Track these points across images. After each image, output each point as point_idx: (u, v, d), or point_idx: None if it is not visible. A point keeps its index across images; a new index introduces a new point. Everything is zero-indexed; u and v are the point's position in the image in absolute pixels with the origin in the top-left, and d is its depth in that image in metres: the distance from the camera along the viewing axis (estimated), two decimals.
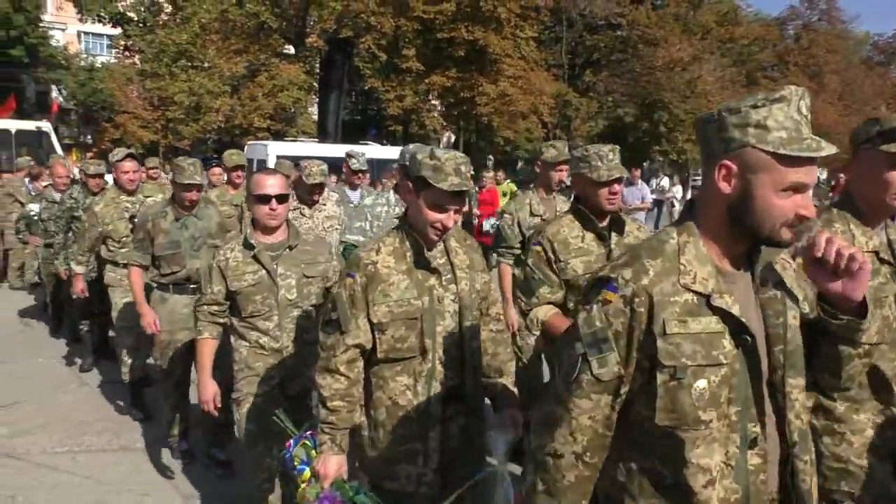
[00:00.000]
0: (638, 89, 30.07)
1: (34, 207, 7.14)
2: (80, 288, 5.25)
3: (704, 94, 32.35)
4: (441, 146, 45.30)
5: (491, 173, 14.91)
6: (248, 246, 3.11)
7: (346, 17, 22.75)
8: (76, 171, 8.57)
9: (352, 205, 5.45)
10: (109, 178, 6.38)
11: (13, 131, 14.56)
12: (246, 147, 18.39)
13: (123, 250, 5.01)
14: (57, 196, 6.81)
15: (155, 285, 4.32)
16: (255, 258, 3.08)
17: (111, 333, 6.06)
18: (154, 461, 4.31)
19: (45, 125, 15.37)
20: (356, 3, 22.54)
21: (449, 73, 25.63)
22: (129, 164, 5.14)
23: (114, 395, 5.38)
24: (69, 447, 4.40)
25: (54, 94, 32.10)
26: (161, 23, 26.17)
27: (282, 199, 3.08)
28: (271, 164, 16.31)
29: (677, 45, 29.11)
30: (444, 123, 29.12)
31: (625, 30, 30.91)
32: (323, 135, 24.80)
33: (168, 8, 26.71)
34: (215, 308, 3.12)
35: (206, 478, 4.12)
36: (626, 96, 31.25)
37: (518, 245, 4.13)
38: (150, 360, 5.04)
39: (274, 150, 16.85)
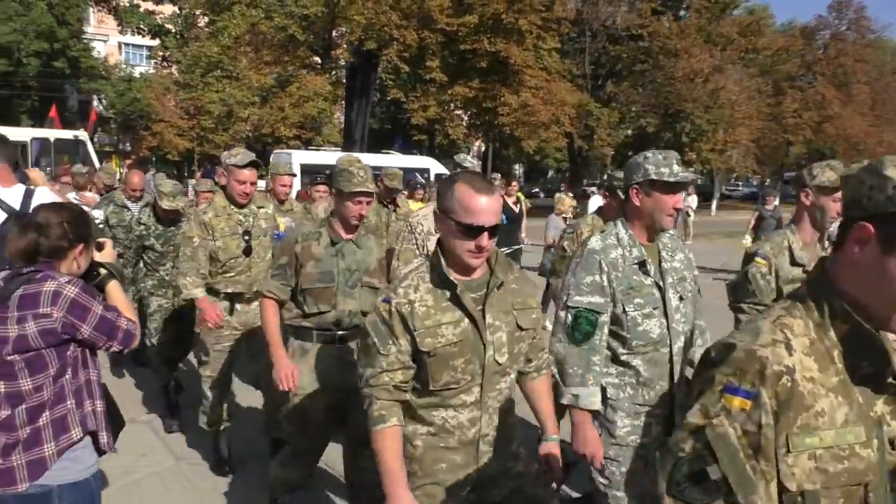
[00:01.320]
0: (659, 99, 30.21)
1: (97, 213, 6.34)
2: (214, 315, 3.96)
3: (730, 104, 32.37)
4: (471, 156, 45.85)
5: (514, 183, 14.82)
6: (443, 282, 2.07)
7: (370, 30, 23.38)
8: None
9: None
10: (145, 186, 6.85)
11: (52, 140, 15.41)
12: (271, 156, 19.07)
13: (231, 275, 4.08)
14: (129, 203, 6.18)
15: (291, 329, 3.27)
16: (455, 301, 2.06)
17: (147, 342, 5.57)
18: (154, 430, 4.83)
19: (82, 134, 16.22)
20: (380, 17, 23.17)
21: (471, 83, 26.09)
22: (247, 174, 4.15)
23: (124, 377, 5.92)
24: None
25: (94, 103, 33.38)
26: (195, 35, 27.16)
27: (494, 231, 2.04)
28: (296, 172, 16.95)
29: (698, 56, 29.20)
30: (468, 133, 29.53)
31: (646, 41, 31.10)
32: (349, 144, 25.49)
33: (202, 21, 27.72)
34: (401, 377, 2.03)
35: (197, 440, 4.62)
36: (647, 107, 31.41)
37: (771, 302, 3.05)
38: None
39: (298, 158, 17.47)
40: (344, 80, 27.48)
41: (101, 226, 6.09)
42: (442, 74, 25.87)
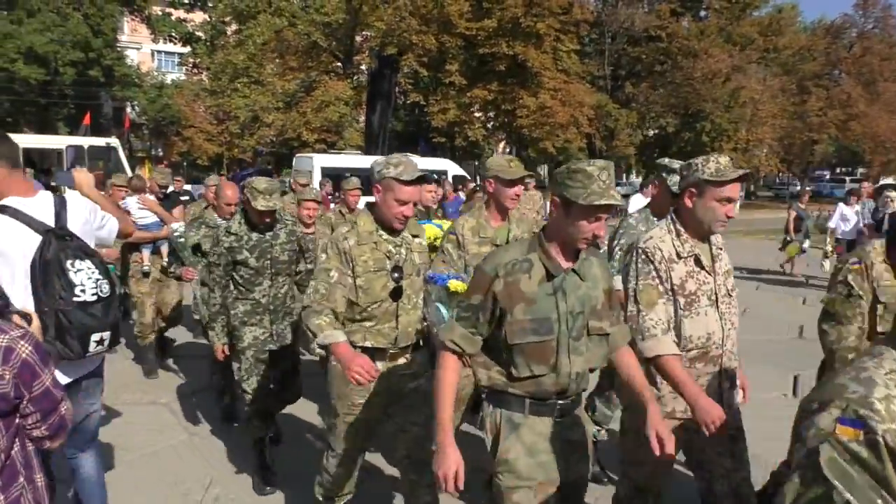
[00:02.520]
0: (679, 100, 30.35)
1: (177, 227, 5.55)
2: (364, 366, 2.64)
3: (752, 103, 32.34)
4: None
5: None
6: None
7: (390, 35, 23.99)
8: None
9: None
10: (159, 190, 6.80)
11: (86, 147, 16.21)
12: (294, 159, 19.70)
13: (372, 325, 2.95)
14: (223, 222, 5.08)
15: (490, 396, 2.36)
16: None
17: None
18: (172, 411, 5.38)
19: (114, 141, 17.00)
20: (400, 23, 23.77)
21: (490, 86, 26.57)
22: (412, 191, 3.13)
23: (143, 366, 6.51)
24: (111, 401, 5.50)
25: (128, 109, 34.48)
26: (222, 43, 28.06)
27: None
28: (317, 176, 17.54)
29: (717, 57, 29.29)
30: (487, 135, 29.99)
31: (665, 42, 31.27)
32: (370, 147, 26.10)
33: (229, 29, 28.61)
34: None
35: (208, 418, 5.17)
36: (667, 107, 31.55)
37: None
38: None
39: (319, 162, 18.03)
40: (366, 85, 28.16)
41: (180, 240, 5.42)
42: (461, 78, 26.39)
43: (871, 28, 38.33)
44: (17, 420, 1.85)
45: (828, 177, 47.47)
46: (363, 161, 19.98)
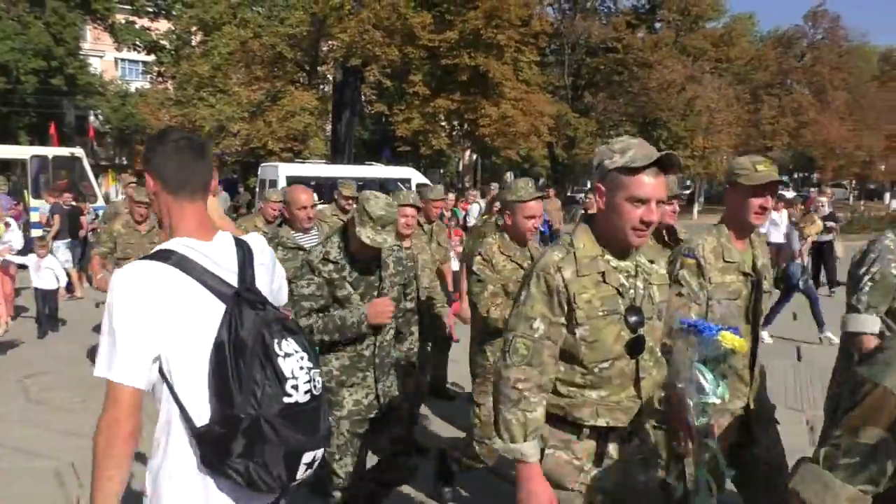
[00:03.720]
0: (636, 109, 31.35)
1: None
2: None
3: (708, 112, 33.48)
4: (460, 166, 46.83)
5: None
6: None
7: (354, 47, 24.47)
8: (119, 194, 8.97)
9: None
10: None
11: (50, 157, 16.36)
12: (260, 168, 20.04)
13: (604, 394, 2.08)
14: (301, 239, 4.50)
15: None
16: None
17: None
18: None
19: (79, 151, 17.15)
20: (364, 35, 24.26)
21: (453, 96, 27.18)
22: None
23: None
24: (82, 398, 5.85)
25: (91, 118, 34.35)
26: (187, 53, 28.23)
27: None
28: (281, 184, 17.94)
29: (671, 67, 30.34)
30: (450, 144, 30.58)
31: (621, 53, 32.27)
32: (336, 156, 26.52)
33: (194, 39, 28.78)
34: None
35: None
36: (624, 116, 32.54)
37: None
38: None
39: (284, 171, 18.42)
40: (331, 95, 28.56)
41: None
42: (425, 88, 26.96)
43: (820, 38, 39.90)
44: None
45: (786, 180, 49.04)
46: (329, 170, 20.44)
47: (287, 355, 1.69)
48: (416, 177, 20.18)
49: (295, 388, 1.68)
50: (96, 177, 18.60)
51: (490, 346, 3.67)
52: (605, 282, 2.03)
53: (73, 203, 12.71)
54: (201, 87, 25.91)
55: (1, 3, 29.85)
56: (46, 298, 8.51)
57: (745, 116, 36.01)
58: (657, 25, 34.66)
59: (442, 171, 42.68)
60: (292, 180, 18.10)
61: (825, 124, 37.39)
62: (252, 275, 1.81)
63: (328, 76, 29.41)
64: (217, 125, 25.78)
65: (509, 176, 52.59)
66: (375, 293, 3.14)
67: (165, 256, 1.67)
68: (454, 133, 30.95)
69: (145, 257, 1.70)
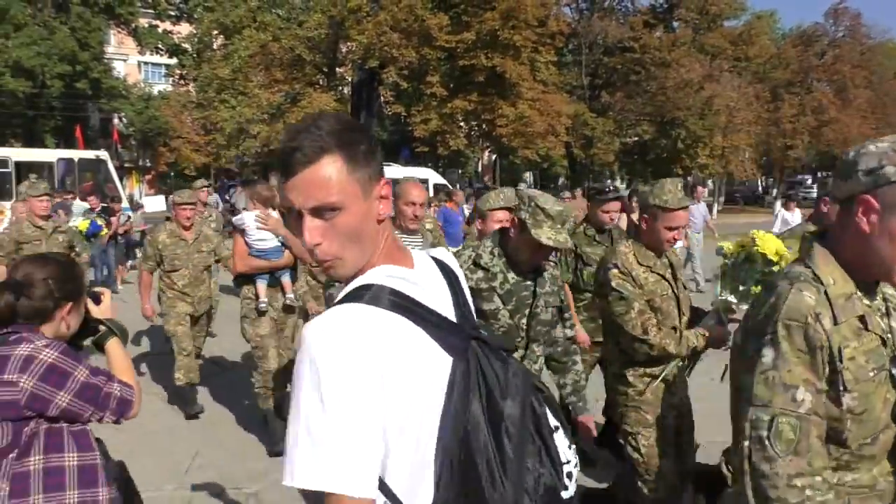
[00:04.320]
0: (654, 108, 31.26)
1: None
2: None
3: (727, 111, 33.27)
4: (479, 166, 46.84)
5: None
6: None
7: (371, 49, 24.71)
8: (143, 195, 9.25)
9: None
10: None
11: (76, 160, 16.78)
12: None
13: (856, 476, 1.56)
14: (401, 237, 4.10)
15: None
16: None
17: None
18: (162, 398, 6.03)
19: (104, 154, 17.57)
20: (381, 37, 24.49)
21: (470, 97, 27.30)
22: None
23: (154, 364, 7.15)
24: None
25: (115, 121, 34.96)
26: (209, 56, 28.69)
27: None
28: None
29: (688, 67, 30.23)
30: (468, 144, 30.72)
31: (638, 52, 32.20)
32: None
33: (215, 43, 29.24)
34: None
35: (203, 397, 5.79)
36: (642, 115, 32.45)
37: None
38: None
39: None
40: (349, 96, 28.84)
41: None
42: (442, 89, 27.12)
43: (841, 36, 39.42)
44: (28, 430, 1.87)
45: (810, 181, 48.48)
46: None
47: (556, 428, 1.23)
48: (434, 177, 20.33)
49: (570, 476, 1.21)
50: (120, 179, 19.01)
51: (633, 371, 3.07)
52: (866, 329, 1.51)
53: (105, 205, 12.86)
54: (222, 90, 26.33)
55: (28, 9, 30.47)
56: None
57: (765, 115, 35.73)
58: (675, 24, 34.50)
59: (460, 171, 42.81)
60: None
61: (847, 123, 36.95)
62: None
63: (346, 78, 29.73)
64: (237, 127, 26.18)
65: (528, 176, 52.66)
66: (527, 311, 2.67)
67: (375, 297, 1.11)
68: (472, 133, 31.09)
69: (346, 299, 1.12)
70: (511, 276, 2.67)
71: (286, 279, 4.96)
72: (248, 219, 4.76)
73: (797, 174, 50.17)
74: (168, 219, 5.97)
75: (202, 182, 9.07)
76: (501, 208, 3.29)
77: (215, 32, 28.49)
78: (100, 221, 10.05)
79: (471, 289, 2.22)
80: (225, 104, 26.26)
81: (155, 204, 25.11)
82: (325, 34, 25.42)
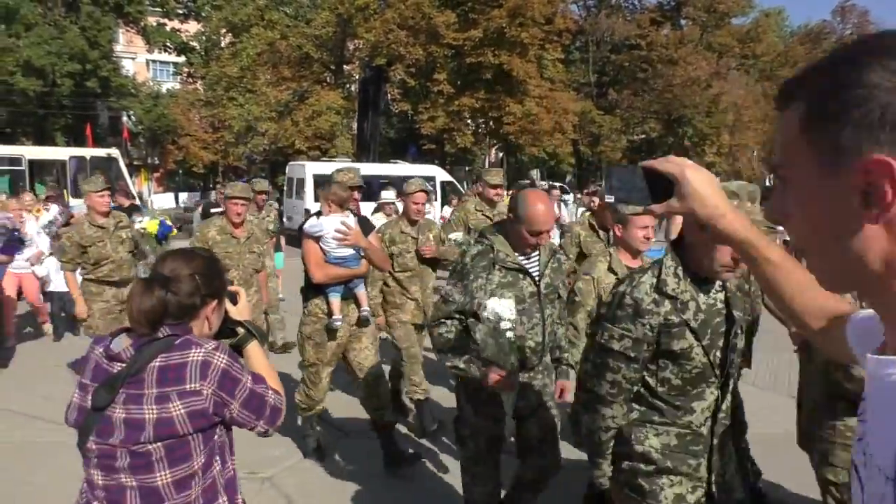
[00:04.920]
0: (661, 106, 31.30)
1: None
2: None
3: (735, 109, 33.27)
4: (486, 163, 46.91)
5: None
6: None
7: (378, 47, 24.84)
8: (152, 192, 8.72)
9: None
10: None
11: (88, 158, 16.96)
12: (287, 167, 20.51)
13: None
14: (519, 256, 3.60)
15: None
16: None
17: None
18: None
19: (114, 152, 17.76)
20: (388, 35, 24.62)
21: (477, 94, 27.38)
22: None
23: None
24: None
25: (124, 119, 35.19)
26: (217, 55, 28.90)
27: None
28: (309, 182, 18.35)
29: (695, 64, 30.25)
30: (475, 142, 30.83)
31: (645, 50, 32.24)
32: (361, 154, 26.93)
33: (223, 41, 29.43)
34: None
35: None
36: (649, 113, 32.50)
37: None
38: None
39: (311, 169, 18.88)
40: (356, 94, 28.99)
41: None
42: (449, 86, 27.23)
43: (849, 34, 39.35)
44: (217, 437, 1.82)
45: None
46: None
47: None
48: (441, 174, 20.44)
49: None
50: (130, 177, 19.20)
51: (843, 403, 2.75)
52: None
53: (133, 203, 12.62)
54: (230, 88, 26.52)
55: (38, 8, 30.71)
56: (62, 299, 8.25)
57: (773, 113, 35.68)
58: (682, 22, 34.52)
59: (468, 168, 42.92)
60: (320, 179, 18.55)
61: None
62: None
63: (354, 75, 29.87)
64: (246, 125, 26.37)
65: (535, 174, 52.75)
66: (721, 342, 2.17)
67: None
68: (479, 131, 31.20)
69: None
70: (702, 299, 2.16)
71: (361, 290, 4.48)
72: (328, 225, 4.20)
73: None
74: (208, 214, 5.84)
75: (262, 184, 8.11)
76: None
77: (223, 31, 28.66)
78: (168, 221, 8.77)
79: (656, 326, 2.11)
80: (233, 102, 26.43)
81: (163, 202, 25.30)
82: (333, 32, 25.58)
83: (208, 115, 28.82)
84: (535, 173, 51.94)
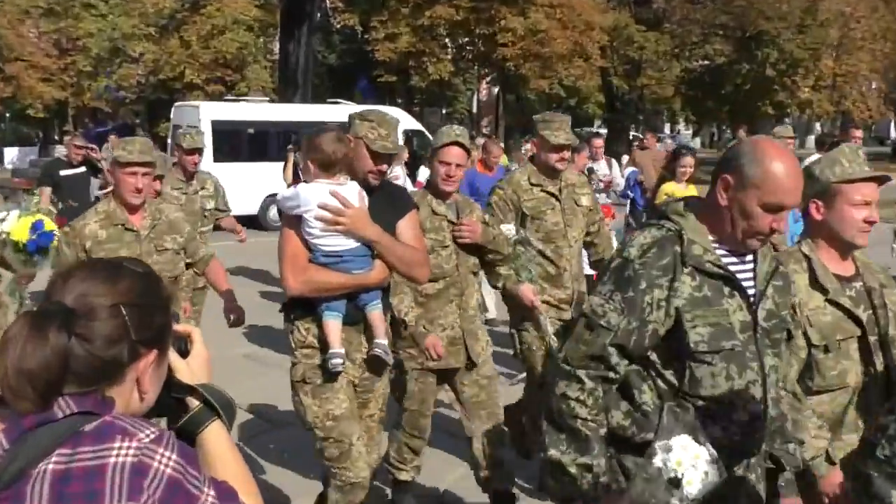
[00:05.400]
0: (731, 18, 31.58)
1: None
2: None
3: (841, 21, 33.71)
4: (475, 103, 46.71)
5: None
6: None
7: None
8: None
9: None
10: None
11: None
12: (173, 109, 20.62)
13: None
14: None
15: None
16: None
17: None
18: None
19: None
20: None
21: (459, 2, 27.38)
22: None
23: None
24: None
25: None
26: None
27: None
28: (207, 131, 18.47)
29: None
30: (455, 71, 30.97)
31: None
32: (286, 90, 26.92)
33: None
34: None
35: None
36: (713, 28, 32.78)
37: None
38: None
39: (208, 113, 18.99)
40: (278, 1, 28.94)
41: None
42: None
43: None
44: None
45: None
46: (275, 112, 20.82)
47: None
48: (407, 120, 20.65)
49: None
50: None
51: None
52: None
53: None
54: None
55: None
56: None
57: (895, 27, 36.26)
58: None
59: (445, 110, 43.09)
60: (220, 126, 18.64)
61: None
62: None
63: None
64: (110, 46, 26.32)
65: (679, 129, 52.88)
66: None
67: None
68: (462, 56, 31.41)
69: None
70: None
71: (376, 310, 3.99)
72: (311, 197, 3.82)
73: None
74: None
75: (192, 139, 7.88)
76: None
77: None
78: (48, 223, 8.20)
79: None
80: (90, 11, 26.41)
81: None
82: None
83: (51, 31, 28.68)
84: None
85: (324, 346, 3.90)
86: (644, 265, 2.55)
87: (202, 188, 7.74)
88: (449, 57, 30.16)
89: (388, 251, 3.89)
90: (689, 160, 8.53)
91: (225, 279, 5.67)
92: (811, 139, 49.28)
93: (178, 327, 1.79)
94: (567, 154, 5.54)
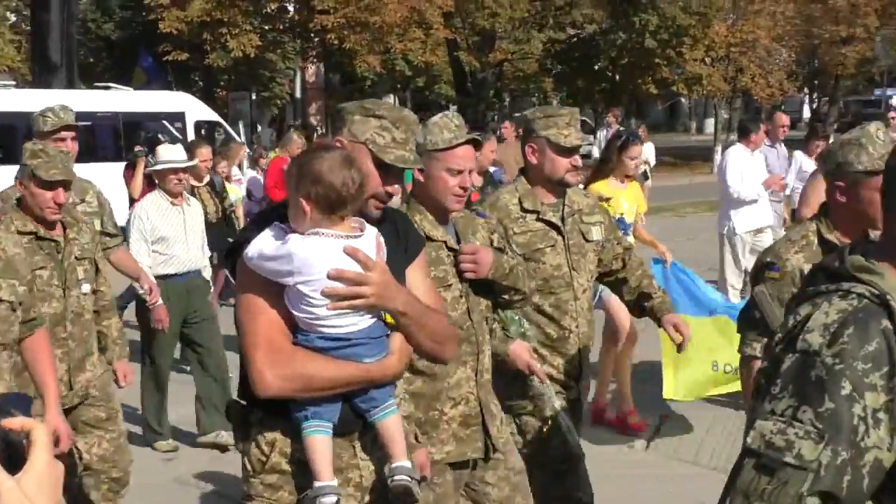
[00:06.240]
0: None
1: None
2: None
3: None
4: (297, 87, 46.51)
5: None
6: None
7: None
8: None
9: None
10: None
11: None
12: None
13: None
14: None
15: None
16: None
17: None
18: None
19: None
20: None
21: None
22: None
23: None
24: None
25: None
26: None
27: None
28: None
29: None
30: (262, 44, 30.92)
31: None
32: (41, 71, 26.30)
33: None
34: None
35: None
36: None
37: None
38: None
39: None
40: None
41: None
42: None
43: None
44: None
45: None
46: (24, 99, 20.15)
47: None
48: (198, 109, 20.56)
49: None
50: None
51: None
52: None
53: None
54: None
55: None
56: None
57: None
58: None
59: (255, 96, 42.89)
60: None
61: None
62: None
63: None
64: None
65: (392, 100, 53.26)
66: None
67: None
68: (272, 27, 31.46)
69: None
70: None
71: (391, 418, 3.31)
72: (313, 257, 3.02)
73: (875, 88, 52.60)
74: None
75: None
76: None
77: None
78: None
79: None
80: None
81: None
82: None
83: None
84: (391, 100, 52.47)
85: (301, 471, 3.14)
86: (840, 357, 1.85)
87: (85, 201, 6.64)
88: (255, 30, 30.03)
89: (419, 325, 3.20)
90: (638, 149, 8.34)
91: None
92: (710, 123, 50.62)
93: (14, 421, 1.41)
94: (579, 160, 4.92)
